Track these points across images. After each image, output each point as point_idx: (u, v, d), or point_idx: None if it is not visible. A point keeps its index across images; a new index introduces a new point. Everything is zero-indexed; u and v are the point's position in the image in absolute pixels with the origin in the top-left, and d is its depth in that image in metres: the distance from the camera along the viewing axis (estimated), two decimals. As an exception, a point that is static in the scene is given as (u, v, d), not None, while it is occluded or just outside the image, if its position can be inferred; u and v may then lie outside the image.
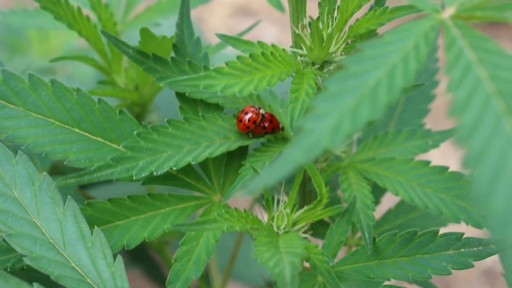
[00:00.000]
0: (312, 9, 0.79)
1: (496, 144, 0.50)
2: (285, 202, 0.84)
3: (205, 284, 1.13)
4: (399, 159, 0.89)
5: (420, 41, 0.59)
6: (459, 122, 0.51)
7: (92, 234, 0.74)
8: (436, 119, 1.17)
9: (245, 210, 0.78)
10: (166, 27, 1.15)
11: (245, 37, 1.00)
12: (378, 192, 0.94)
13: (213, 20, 2.66)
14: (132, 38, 1.18)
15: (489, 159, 0.50)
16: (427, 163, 0.87)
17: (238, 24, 2.63)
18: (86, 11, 0.99)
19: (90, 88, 0.90)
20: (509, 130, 0.51)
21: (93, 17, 0.98)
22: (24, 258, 0.71)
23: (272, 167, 0.51)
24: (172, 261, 0.80)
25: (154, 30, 1.08)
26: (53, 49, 1.82)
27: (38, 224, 0.73)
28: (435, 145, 0.93)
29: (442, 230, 0.93)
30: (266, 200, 0.80)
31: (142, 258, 1.43)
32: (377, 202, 0.88)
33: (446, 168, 0.86)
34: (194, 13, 1.05)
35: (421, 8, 0.62)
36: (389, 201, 1.11)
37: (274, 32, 2.49)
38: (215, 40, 1.11)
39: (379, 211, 0.91)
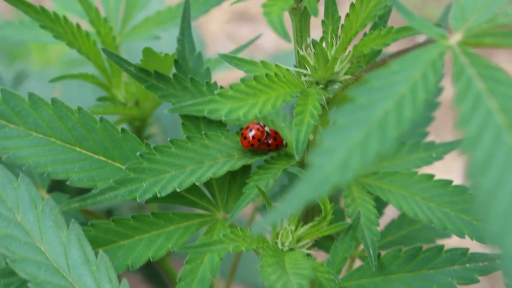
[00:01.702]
0: (315, 24, 0.78)
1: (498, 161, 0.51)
2: (289, 218, 0.83)
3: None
4: (403, 173, 0.88)
5: (428, 70, 0.58)
6: (470, 158, 0.51)
7: (96, 257, 0.74)
8: (437, 127, 1.16)
9: (251, 231, 0.78)
10: (166, 40, 1.14)
11: (245, 43, 1.00)
12: (381, 203, 0.94)
13: (211, 26, 2.65)
14: (131, 50, 1.18)
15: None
16: (431, 176, 0.87)
17: (236, 29, 2.62)
18: (84, 24, 0.98)
19: (91, 107, 0.89)
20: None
21: (89, 28, 0.98)
22: (28, 284, 0.71)
23: (282, 206, 0.51)
24: (177, 280, 0.80)
25: (154, 43, 1.07)
26: (53, 58, 1.81)
27: (42, 248, 0.72)
28: (439, 158, 0.93)
29: (446, 242, 0.93)
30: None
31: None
32: (380, 213, 0.88)
33: (450, 182, 0.86)
34: (192, 19, 1.04)
35: (427, 34, 0.62)
36: (392, 211, 1.11)
37: (274, 37, 2.48)
38: (214, 46, 1.11)
39: (382, 221, 0.91)
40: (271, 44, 2.48)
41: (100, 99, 0.95)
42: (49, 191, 0.96)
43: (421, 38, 0.79)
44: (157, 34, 1.03)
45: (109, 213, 1.24)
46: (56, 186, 1.03)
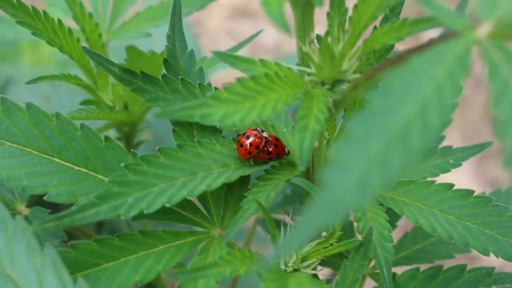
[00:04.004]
0: (318, 20, 0.70)
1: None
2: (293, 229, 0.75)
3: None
4: (418, 182, 0.79)
5: (454, 68, 0.49)
6: None
7: (75, 283, 0.65)
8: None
9: (249, 250, 0.70)
10: (158, 38, 1.05)
11: (243, 40, 0.92)
12: (394, 216, 0.85)
13: (211, 23, 2.57)
14: (120, 49, 1.09)
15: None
16: (450, 186, 0.78)
17: (236, 26, 2.54)
18: (68, 20, 0.89)
19: (72, 112, 0.80)
20: None
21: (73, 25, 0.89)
22: (-2, 315, 0.62)
23: (291, 237, 0.42)
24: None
25: (144, 41, 0.98)
26: (45, 58, 1.73)
27: (13, 276, 0.64)
28: (457, 164, 0.84)
29: (466, 257, 0.84)
30: (272, 236, 0.71)
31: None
32: (392, 226, 0.79)
33: (471, 192, 0.77)
34: (190, 16, 0.96)
35: (451, 25, 0.53)
36: (405, 222, 1.02)
37: (274, 33, 2.40)
38: (215, 43, 1.02)
39: (394, 234, 0.82)
40: (272, 40, 2.40)
41: (85, 102, 0.86)
42: (30, 205, 0.87)
43: (427, 36, 0.70)
44: (148, 31, 0.94)
45: (99, 226, 1.15)
46: (38, 200, 0.95)
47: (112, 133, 0.95)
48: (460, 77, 0.49)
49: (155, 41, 1.06)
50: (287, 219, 0.86)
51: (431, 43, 0.56)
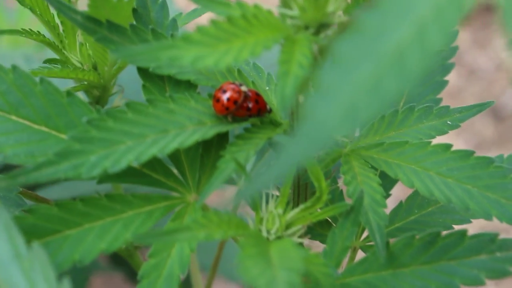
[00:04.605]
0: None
1: None
2: (276, 199, 0.68)
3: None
4: (413, 143, 0.72)
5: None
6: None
7: (31, 251, 0.58)
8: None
9: (227, 213, 0.63)
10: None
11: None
12: (387, 182, 0.78)
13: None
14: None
15: None
16: (448, 147, 0.71)
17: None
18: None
19: (33, 69, 0.73)
20: None
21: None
22: None
23: (266, 172, 0.35)
24: (138, 278, 0.65)
25: None
26: (22, 39, 1.66)
27: (-41, 241, 0.57)
28: (455, 126, 0.77)
29: (466, 228, 0.78)
30: (252, 198, 0.64)
31: (125, 261, 1.30)
32: (386, 194, 0.72)
33: (472, 152, 0.70)
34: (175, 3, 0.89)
35: None
36: (399, 191, 0.95)
37: None
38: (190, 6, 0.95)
39: (388, 204, 0.75)
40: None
41: (49, 61, 0.79)
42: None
43: None
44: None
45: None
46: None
47: (81, 96, 0.88)
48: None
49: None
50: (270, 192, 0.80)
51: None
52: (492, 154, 0.76)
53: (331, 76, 0.38)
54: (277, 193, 0.76)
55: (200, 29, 0.57)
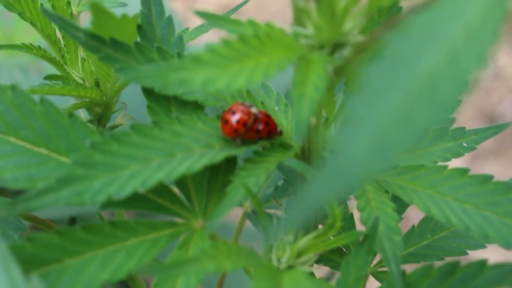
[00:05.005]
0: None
1: None
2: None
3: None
4: (429, 167, 0.70)
5: (488, 9, 0.40)
6: None
7: (29, 283, 0.54)
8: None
9: (236, 243, 0.60)
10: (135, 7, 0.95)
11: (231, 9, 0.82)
12: (399, 206, 0.75)
13: (197, 22, 2.49)
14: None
15: None
16: (465, 171, 0.68)
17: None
18: None
19: (33, 86, 0.70)
20: None
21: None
22: None
23: (295, 207, 0.32)
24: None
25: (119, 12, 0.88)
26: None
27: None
28: (471, 148, 0.74)
29: (481, 253, 0.75)
30: (263, 226, 0.61)
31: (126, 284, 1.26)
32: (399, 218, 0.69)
33: (490, 177, 0.67)
34: (176, 13, 0.86)
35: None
36: (412, 214, 0.92)
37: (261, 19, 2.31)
38: (199, 40, 0.92)
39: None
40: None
41: (49, 77, 0.76)
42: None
43: None
44: (123, 0, 0.84)
45: (72, 222, 1.05)
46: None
47: (82, 115, 0.85)
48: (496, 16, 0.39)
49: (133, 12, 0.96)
50: (280, 213, 0.77)
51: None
52: (490, 163, 0.73)
53: (359, 106, 0.35)
54: (286, 216, 0.73)
55: (211, 49, 0.54)
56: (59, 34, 0.79)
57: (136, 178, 0.59)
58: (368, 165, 0.32)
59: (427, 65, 0.37)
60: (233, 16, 0.62)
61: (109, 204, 0.62)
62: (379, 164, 0.33)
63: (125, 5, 0.82)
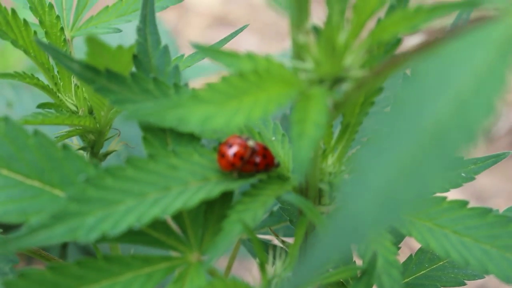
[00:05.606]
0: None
1: None
2: (284, 258, 0.64)
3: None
4: (427, 198, 0.69)
5: (495, 59, 0.39)
6: None
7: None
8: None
9: (234, 279, 0.58)
10: (130, 34, 0.94)
11: (221, 39, 0.81)
12: (397, 237, 0.74)
13: (190, 32, 2.48)
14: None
15: None
16: (464, 203, 0.68)
17: (216, 35, 2.45)
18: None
19: (26, 116, 0.69)
20: None
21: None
22: None
23: (303, 268, 0.31)
24: None
25: (115, 39, 0.88)
26: (11, 65, 1.62)
27: None
28: (470, 178, 0.73)
29: (479, 282, 0.74)
30: (260, 264, 0.60)
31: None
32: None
33: (489, 210, 0.67)
34: (168, 25, 0.85)
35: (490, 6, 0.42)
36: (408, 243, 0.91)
37: (254, 42, 2.30)
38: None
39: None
40: (253, 49, 2.32)
41: (42, 105, 0.75)
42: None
43: (411, 41, 0.59)
44: (118, 27, 0.83)
45: (64, 247, 1.03)
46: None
47: (75, 141, 0.83)
48: (502, 68, 0.39)
49: (128, 39, 0.95)
50: (276, 241, 0.76)
51: (459, 29, 0.45)
52: (483, 175, 0.73)
53: (367, 158, 0.34)
54: (283, 246, 0.72)
55: (209, 86, 0.53)
56: (52, 62, 0.77)
57: (132, 214, 0.58)
58: (376, 224, 0.32)
59: (435, 115, 0.36)
60: (228, 28, 0.61)
61: (103, 239, 0.60)
62: (386, 222, 0.32)
63: (119, 31, 0.81)
